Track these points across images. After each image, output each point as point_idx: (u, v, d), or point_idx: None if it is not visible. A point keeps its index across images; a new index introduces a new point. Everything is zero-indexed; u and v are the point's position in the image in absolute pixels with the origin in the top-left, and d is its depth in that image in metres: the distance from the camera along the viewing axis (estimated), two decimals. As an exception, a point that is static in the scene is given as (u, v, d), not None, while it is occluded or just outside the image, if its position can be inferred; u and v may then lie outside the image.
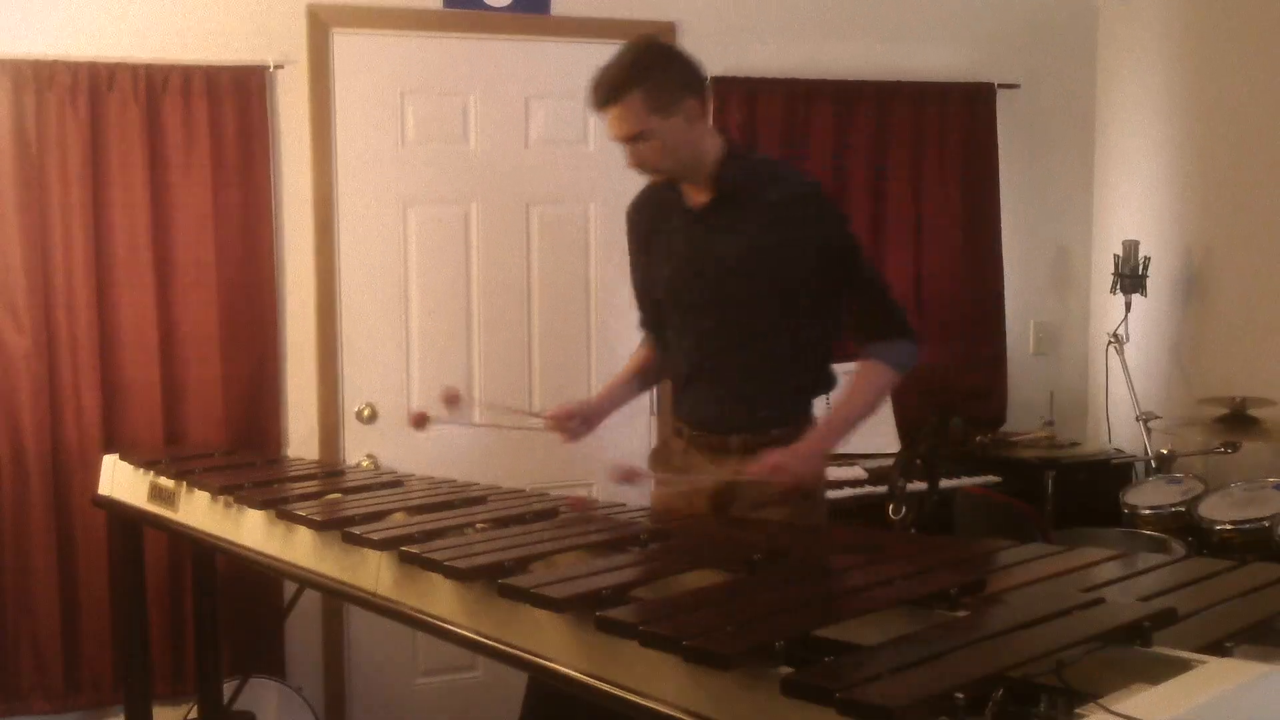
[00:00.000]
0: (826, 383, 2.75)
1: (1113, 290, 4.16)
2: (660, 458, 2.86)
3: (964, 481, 3.91)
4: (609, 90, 2.51)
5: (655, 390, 4.08)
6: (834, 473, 3.87)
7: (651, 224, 2.78)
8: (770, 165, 2.76)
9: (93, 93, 3.49)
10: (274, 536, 2.54)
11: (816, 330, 2.67)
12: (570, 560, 2.03)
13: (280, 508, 2.50)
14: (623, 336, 4.06)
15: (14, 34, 3.48)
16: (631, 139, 2.55)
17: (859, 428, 2.68)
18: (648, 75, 2.51)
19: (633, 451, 4.06)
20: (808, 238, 2.57)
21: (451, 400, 2.70)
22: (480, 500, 2.57)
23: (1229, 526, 3.33)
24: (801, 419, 2.69)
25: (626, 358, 4.04)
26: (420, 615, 2.08)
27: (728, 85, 4.04)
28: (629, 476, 2.56)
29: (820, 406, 2.77)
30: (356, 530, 2.25)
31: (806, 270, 2.57)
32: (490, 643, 1.92)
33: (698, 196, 2.66)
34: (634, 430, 4.09)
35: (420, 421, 2.75)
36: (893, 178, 4.24)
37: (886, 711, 1.23)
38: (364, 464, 3.85)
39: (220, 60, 3.62)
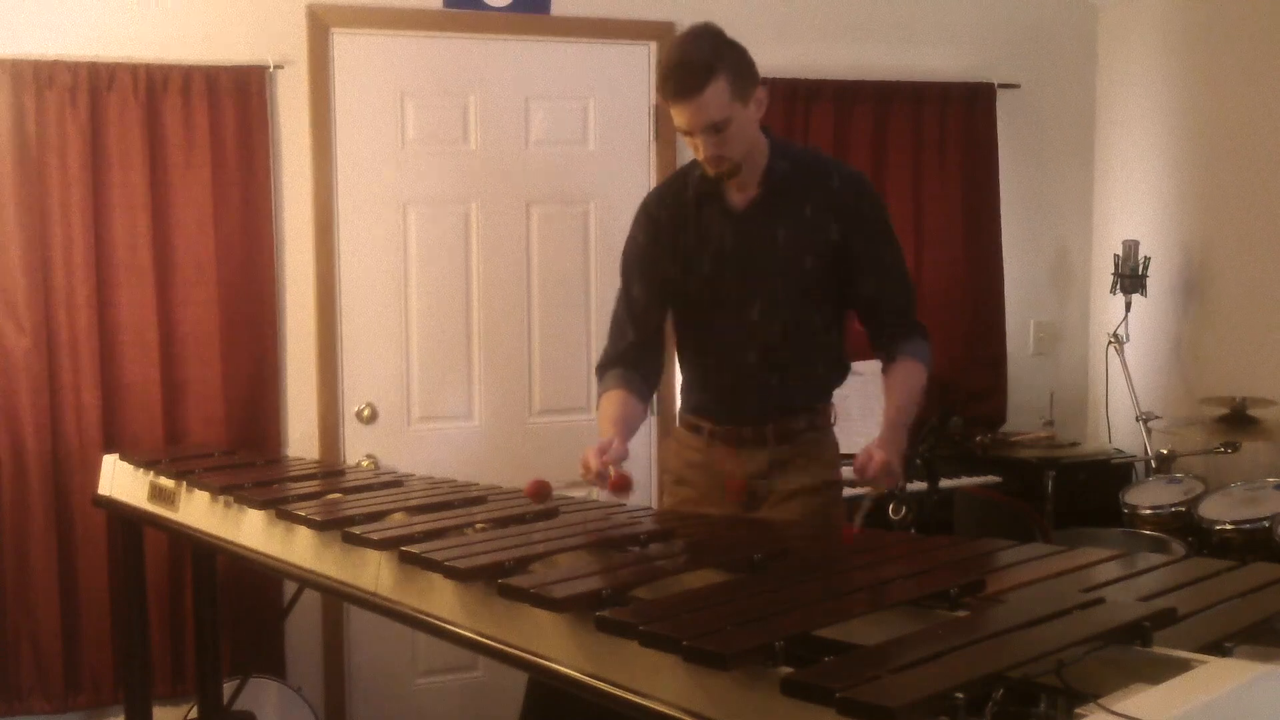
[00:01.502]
0: (844, 367, 2.77)
1: (1113, 290, 4.16)
2: (678, 454, 2.78)
3: (964, 481, 3.91)
4: (698, 77, 2.39)
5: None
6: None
7: (676, 220, 2.65)
8: (816, 157, 2.73)
9: (93, 93, 3.49)
10: (274, 536, 2.54)
11: (841, 316, 2.70)
12: (570, 560, 2.03)
13: (280, 508, 2.50)
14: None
15: (14, 34, 3.48)
16: (713, 128, 2.43)
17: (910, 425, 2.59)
18: (730, 60, 2.44)
19: (633, 451, 4.06)
20: (856, 226, 2.57)
21: (542, 493, 2.43)
22: (480, 500, 2.57)
23: (1229, 526, 3.34)
24: (823, 403, 2.72)
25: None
26: (420, 615, 2.08)
27: (728, 85, 4.04)
28: (542, 492, 2.42)
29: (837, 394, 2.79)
30: (356, 530, 2.25)
31: (852, 258, 2.58)
32: (490, 643, 1.92)
33: (744, 191, 2.60)
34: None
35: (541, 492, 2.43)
36: (893, 178, 4.24)
37: (886, 711, 1.23)
38: (364, 464, 3.85)
39: (220, 60, 3.62)
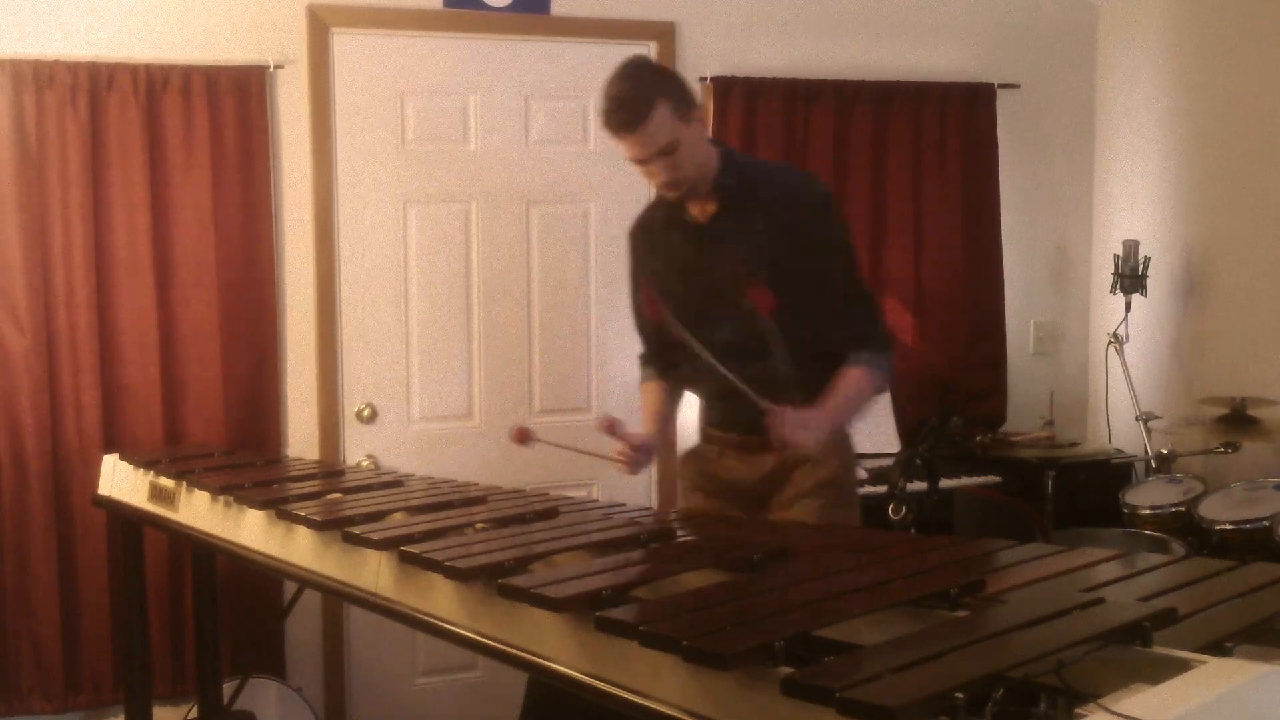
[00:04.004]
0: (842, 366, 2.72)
1: (1113, 290, 4.16)
2: (692, 463, 2.85)
3: (964, 481, 3.91)
4: (638, 107, 2.46)
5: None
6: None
7: (652, 244, 2.77)
8: (766, 168, 2.73)
9: (93, 93, 3.49)
10: (274, 536, 2.54)
11: (832, 320, 2.65)
12: (570, 560, 2.03)
13: (280, 508, 2.50)
14: (622, 336, 4.07)
15: (14, 34, 3.48)
16: (664, 152, 2.50)
17: (849, 423, 2.69)
18: (667, 85, 2.51)
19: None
20: (789, 237, 2.57)
21: (524, 436, 2.69)
22: (480, 500, 2.57)
23: (1229, 526, 3.33)
24: None
25: (625, 357, 4.06)
26: (420, 615, 2.08)
27: (728, 85, 4.04)
28: (610, 427, 2.65)
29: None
30: (356, 530, 2.25)
31: (793, 270, 2.57)
32: (490, 643, 1.92)
33: (702, 208, 2.65)
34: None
35: (523, 436, 2.70)
36: (893, 178, 4.24)
37: (886, 711, 1.23)
38: (364, 464, 3.85)
39: (220, 60, 3.62)
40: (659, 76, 2.56)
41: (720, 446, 2.76)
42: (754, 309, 2.55)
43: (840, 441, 2.71)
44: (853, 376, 2.60)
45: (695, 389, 2.84)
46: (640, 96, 2.47)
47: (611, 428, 2.64)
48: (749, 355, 2.61)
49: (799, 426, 2.46)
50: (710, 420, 2.81)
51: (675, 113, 2.49)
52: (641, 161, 2.55)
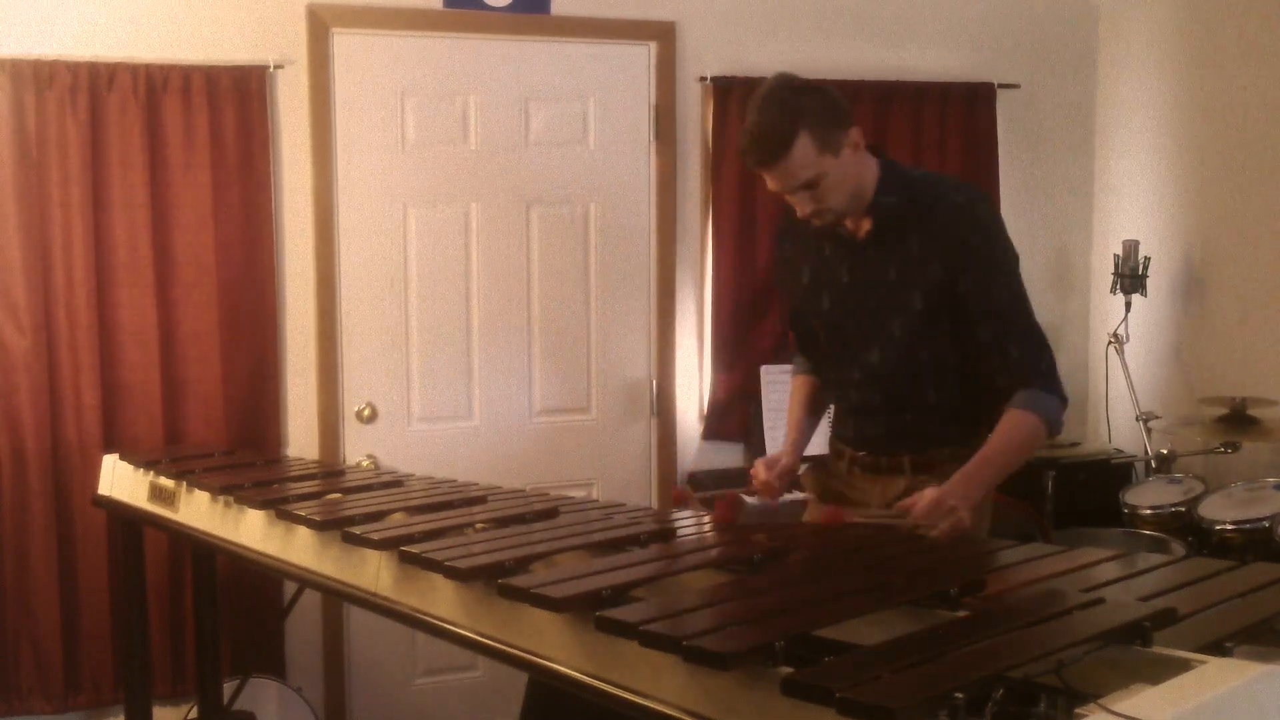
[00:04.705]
0: (994, 395, 2.53)
1: (1113, 290, 4.16)
2: (819, 476, 2.71)
3: (964, 481, 3.90)
4: (776, 142, 2.31)
5: (654, 390, 4.09)
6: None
7: (802, 252, 2.63)
8: (931, 183, 2.52)
9: (93, 93, 3.49)
10: (274, 536, 2.54)
11: (993, 350, 2.45)
12: (570, 560, 2.03)
13: (280, 508, 2.51)
14: (622, 337, 4.07)
15: (14, 34, 3.48)
16: (805, 186, 2.37)
17: (1000, 480, 2.42)
18: (809, 115, 2.33)
19: (634, 451, 4.08)
20: (960, 263, 2.40)
21: (733, 511, 2.40)
22: (480, 500, 2.57)
23: (1229, 526, 3.33)
24: (972, 433, 2.50)
25: (625, 357, 4.07)
26: (420, 615, 2.08)
27: (727, 85, 4.04)
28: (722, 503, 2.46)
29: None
30: (356, 530, 2.25)
31: (959, 299, 2.41)
32: (490, 643, 1.92)
33: (857, 222, 2.50)
34: (635, 431, 4.10)
35: (732, 512, 2.41)
36: (893, 178, 4.24)
37: (886, 711, 1.23)
38: (364, 464, 3.85)
39: (220, 60, 3.62)
40: (801, 101, 2.34)
41: (848, 464, 2.62)
42: (906, 329, 2.40)
43: None
44: (1011, 422, 2.36)
45: (831, 398, 2.71)
46: (779, 130, 2.31)
47: (684, 500, 2.60)
48: (897, 374, 2.49)
49: (934, 512, 2.24)
50: (841, 433, 2.66)
51: (818, 144, 2.33)
52: (782, 191, 2.42)
